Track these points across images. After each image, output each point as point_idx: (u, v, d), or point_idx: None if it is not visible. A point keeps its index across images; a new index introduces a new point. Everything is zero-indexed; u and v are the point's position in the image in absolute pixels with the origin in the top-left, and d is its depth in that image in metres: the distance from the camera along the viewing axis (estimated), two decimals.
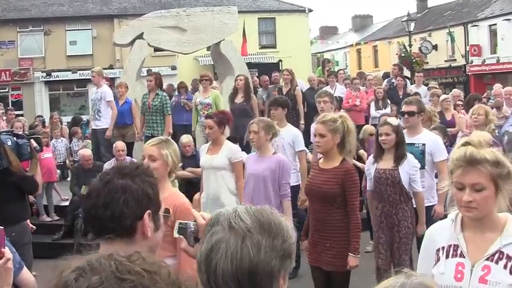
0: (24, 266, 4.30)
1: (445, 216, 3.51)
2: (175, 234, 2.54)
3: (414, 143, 7.87)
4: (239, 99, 13.40)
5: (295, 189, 8.97)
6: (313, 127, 7.20)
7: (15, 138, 6.72)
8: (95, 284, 1.45)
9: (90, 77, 14.39)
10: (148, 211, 2.57)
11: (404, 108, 8.13)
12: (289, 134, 9.32)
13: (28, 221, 7.36)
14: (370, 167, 7.67)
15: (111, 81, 16.70)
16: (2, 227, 3.16)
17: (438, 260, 3.32)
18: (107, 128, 13.48)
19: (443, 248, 3.32)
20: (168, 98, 13.71)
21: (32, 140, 6.85)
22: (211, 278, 1.89)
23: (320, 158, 6.71)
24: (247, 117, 11.84)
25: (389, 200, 7.27)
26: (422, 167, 7.75)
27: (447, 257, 3.29)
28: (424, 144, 7.86)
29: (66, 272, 1.51)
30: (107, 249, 2.32)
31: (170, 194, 4.87)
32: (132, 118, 13.98)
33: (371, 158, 7.78)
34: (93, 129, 14.11)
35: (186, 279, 1.59)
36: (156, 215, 2.64)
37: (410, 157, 7.35)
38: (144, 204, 2.56)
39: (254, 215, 1.96)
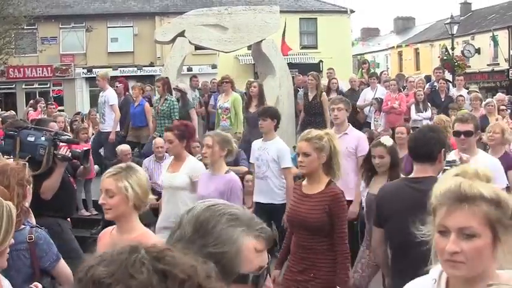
0: (61, 258, 4.36)
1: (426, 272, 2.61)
2: None
3: None
4: (253, 108, 12.46)
5: (282, 208, 8.05)
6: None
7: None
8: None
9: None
10: None
11: (458, 127, 6.72)
12: (275, 148, 8.45)
13: None
14: (363, 191, 7.26)
15: (125, 82, 16.79)
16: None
17: None
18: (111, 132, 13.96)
19: None
20: (176, 103, 13.16)
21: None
22: None
23: (303, 180, 5.92)
24: None
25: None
26: None
27: None
28: None
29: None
30: None
31: (138, 235, 4.16)
32: (146, 120, 14.24)
33: (362, 182, 7.28)
34: (99, 130, 14.83)
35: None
36: None
37: None
38: None
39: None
